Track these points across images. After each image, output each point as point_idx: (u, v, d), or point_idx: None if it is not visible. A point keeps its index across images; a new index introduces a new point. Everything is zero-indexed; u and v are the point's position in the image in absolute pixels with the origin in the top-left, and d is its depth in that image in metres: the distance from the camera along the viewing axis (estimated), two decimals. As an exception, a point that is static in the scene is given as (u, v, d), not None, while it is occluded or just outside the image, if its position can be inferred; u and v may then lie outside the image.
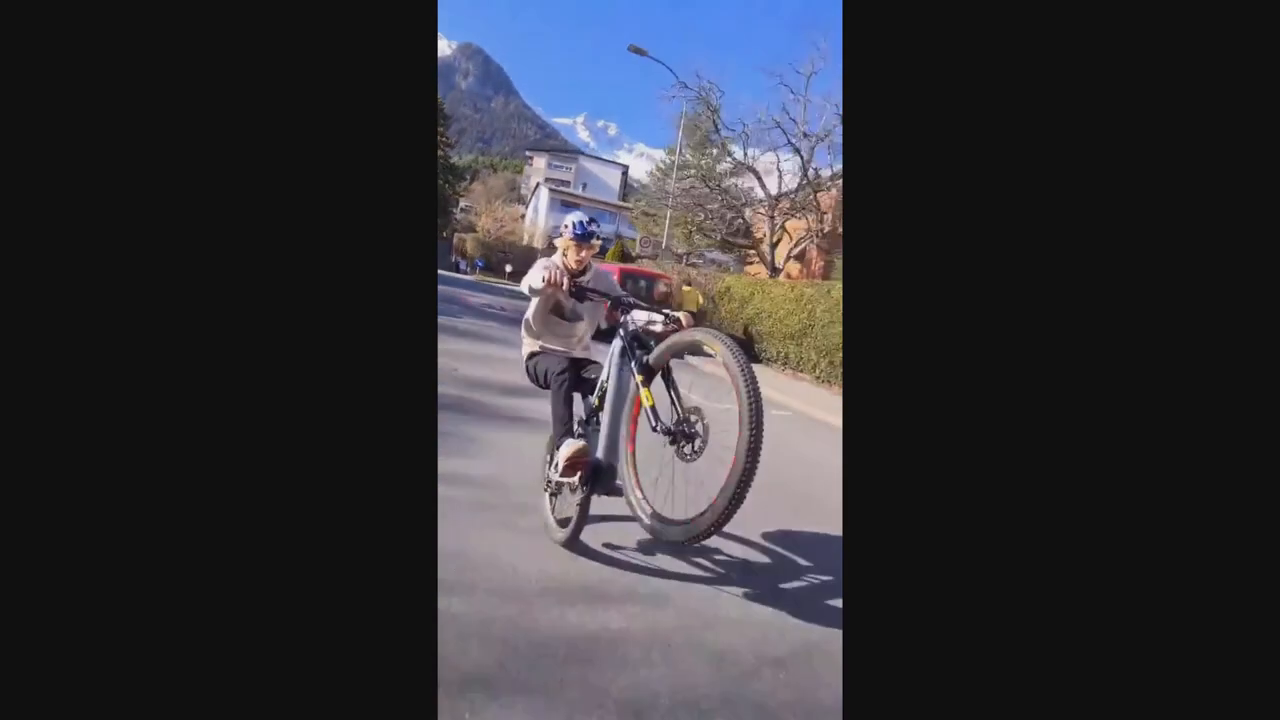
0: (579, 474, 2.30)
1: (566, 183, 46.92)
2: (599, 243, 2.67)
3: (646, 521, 2.11)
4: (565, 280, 2.37)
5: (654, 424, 2.10)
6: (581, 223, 2.61)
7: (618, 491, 2.29)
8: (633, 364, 2.24)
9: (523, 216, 43.60)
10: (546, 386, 2.55)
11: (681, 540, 1.99)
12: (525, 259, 26.04)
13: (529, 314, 2.65)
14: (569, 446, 2.31)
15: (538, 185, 45.12)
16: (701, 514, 1.92)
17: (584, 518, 2.37)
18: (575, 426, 2.43)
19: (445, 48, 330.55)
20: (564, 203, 37.96)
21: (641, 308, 2.52)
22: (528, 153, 64.86)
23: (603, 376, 2.40)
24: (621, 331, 2.34)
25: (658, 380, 2.22)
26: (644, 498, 2.18)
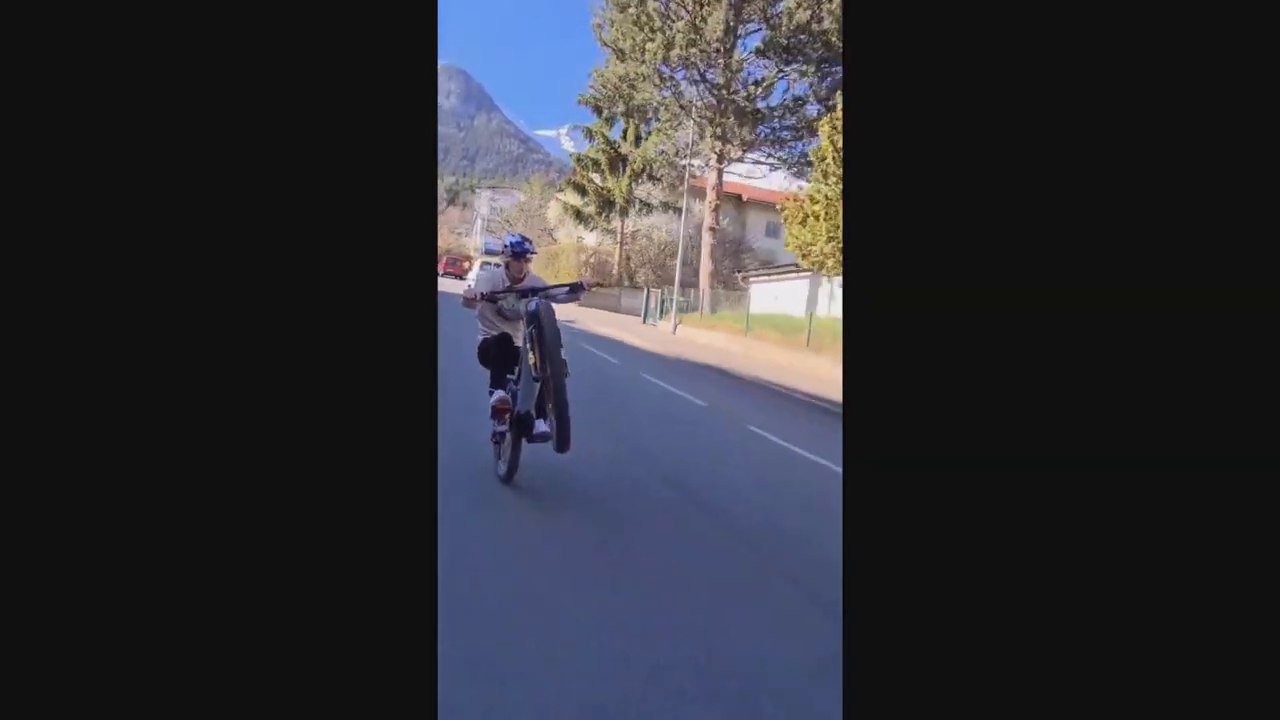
0: (505, 417, 3.15)
1: (507, 208, 70.65)
2: (533, 255, 3.41)
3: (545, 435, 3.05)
4: (478, 297, 3.19)
5: (535, 375, 3.01)
6: (513, 241, 3.34)
7: (541, 439, 3.04)
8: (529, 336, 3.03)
9: (465, 233, 67.93)
10: (488, 365, 3.29)
11: (556, 449, 2.91)
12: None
13: (476, 311, 3.35)
14: (495, 397, 3.16)
15: (476, 218, 69.39)
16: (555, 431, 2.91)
17: (516, 459, 3.20)
18: (504, 386, 3.21)
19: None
20: (488, 230, 62.73)
21: (550, 296, 3.26)
22: (474, 189, 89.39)
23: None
24: (525, 316, 3.11)
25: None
26: (548, 423, 3.03)
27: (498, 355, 3.24)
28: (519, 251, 3.27)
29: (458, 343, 5.26)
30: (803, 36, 15.32)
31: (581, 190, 26.27)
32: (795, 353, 12.20)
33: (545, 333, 2.86)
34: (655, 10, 16.14)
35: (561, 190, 26.93)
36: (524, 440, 3.11)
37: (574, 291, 3.39)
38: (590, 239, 28.55)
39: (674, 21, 15.98)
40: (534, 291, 3.20)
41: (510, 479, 3.20)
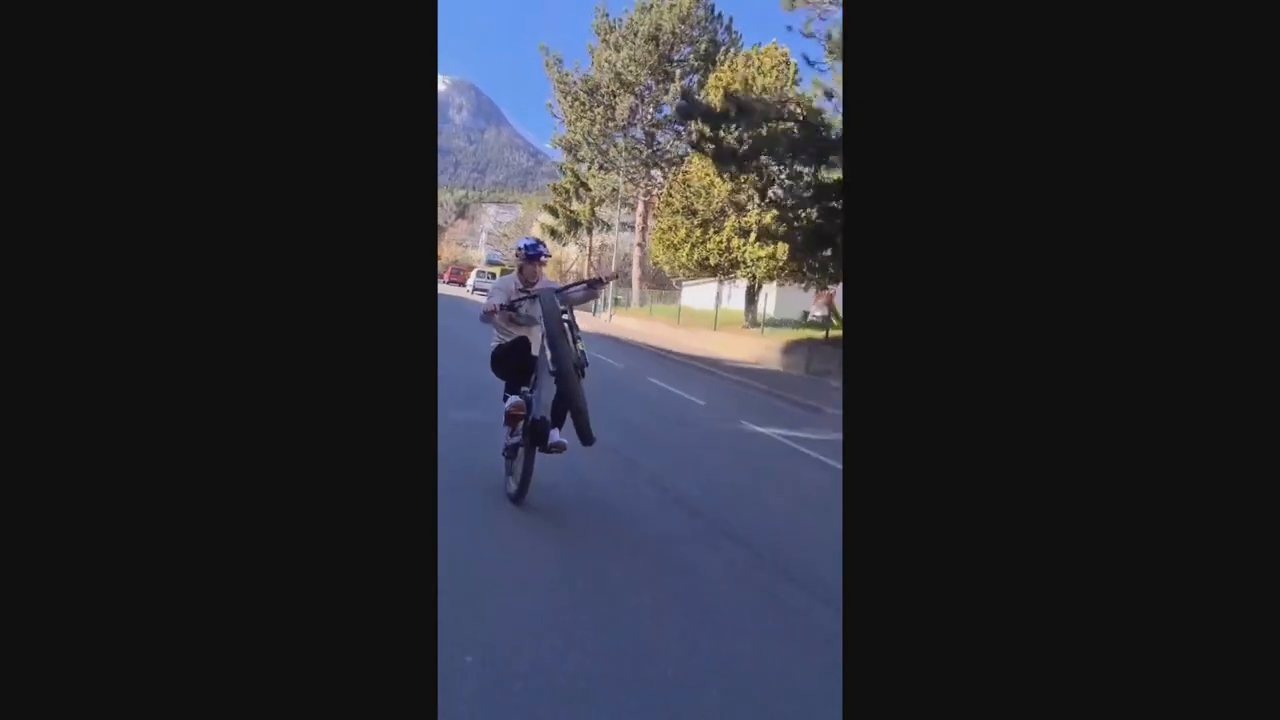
0: (519, 424, 2.99)
1: (508, 222, 77.99)
2: (547, 258, 3.26)
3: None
4: (497, 308, 3.07)
5: (551, 369, 2.85)
6: (527, 244, 3.22)
7: (556, 449, 2.92)
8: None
9: (471, 245, 75.28)
10: (502, 373, 3.22)
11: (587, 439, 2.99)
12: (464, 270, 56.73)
13: (493, 309, 3.18)
14: (510, 402, 3.00)
15: (481, 231, 76.83)
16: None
17: (529, 474, 2.99)
18: (519, 392, 3.06)
19: (440, 84, 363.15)
20: (488, 243, 69.83)
21: (567, 298, 3.15)
22: (482, 202, 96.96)
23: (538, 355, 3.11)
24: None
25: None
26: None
27: (513, 363, 3.18)
28: (533, 255, 3.21)
29: (470, 345, 5.61)
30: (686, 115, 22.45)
31: (555, 213, 33.23)
32: (670, 328, 18.99)
33: (549, 328, 2.82)
34: (585, 96, 23.21)
35: (542, 211, 33.92)
36: (537, 451, 3.00)
37: (593, 287, 3.38)
38: (572, 250, 35.46)
39: (597, 105, 23.03)
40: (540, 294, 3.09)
41: (521, 498, 3.07)
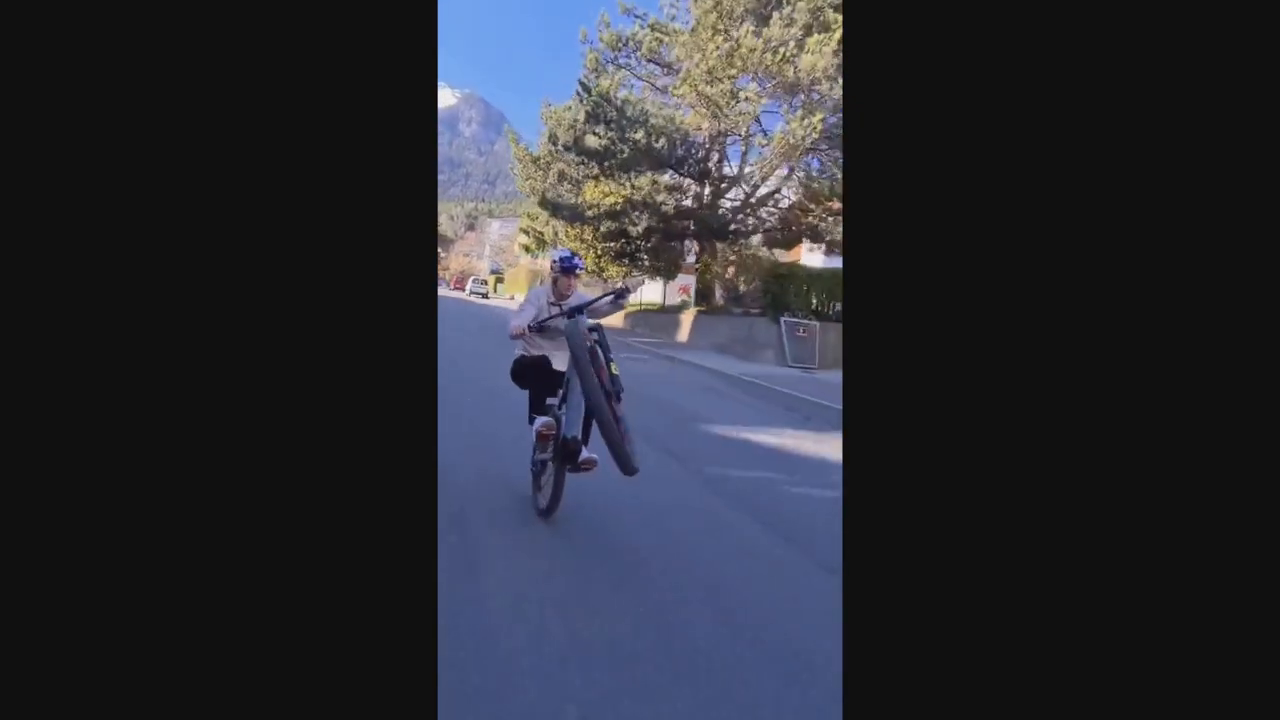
0: (549, 445, 3.01)
1: (508, 235, 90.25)
2: (582, 270, 3.24)
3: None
4: (525, 329, 3.07)
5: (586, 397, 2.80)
6: (563, 256, 3.19)
7: (587, 467, 2.89)
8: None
9: (476, 256, 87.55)
10: (524, 385, 3.31)
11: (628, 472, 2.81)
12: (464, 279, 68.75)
13: (520, 330, 3.15)
14: (539, 422, 3.06)
15: (486, 243, 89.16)
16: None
17: (559, 491, 3.00)
18: (547, 411, 3.14)
19: (450, 98, 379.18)
20: (490, 255, 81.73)
21: (595, 310, 3.13)
22: (486, 216, 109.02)
23: (566, 374, 3.08)
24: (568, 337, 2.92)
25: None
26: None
27: (534, 376, 3.27)
28: (567, 267, 3.24)
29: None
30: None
31: (527, 233, 45.49)
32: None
33: (579, 363, 2.79)
34: (531, 164, 35.39)
35: (520, 232, 46.23)
36: (568, 470, 3.02)
37: (619, 298, 3.36)
38: (545, 261, 47.68)
39: (539, 171, 35.19)
40: (578, 310, 3.08)
41: (552, 513, 3.10)
